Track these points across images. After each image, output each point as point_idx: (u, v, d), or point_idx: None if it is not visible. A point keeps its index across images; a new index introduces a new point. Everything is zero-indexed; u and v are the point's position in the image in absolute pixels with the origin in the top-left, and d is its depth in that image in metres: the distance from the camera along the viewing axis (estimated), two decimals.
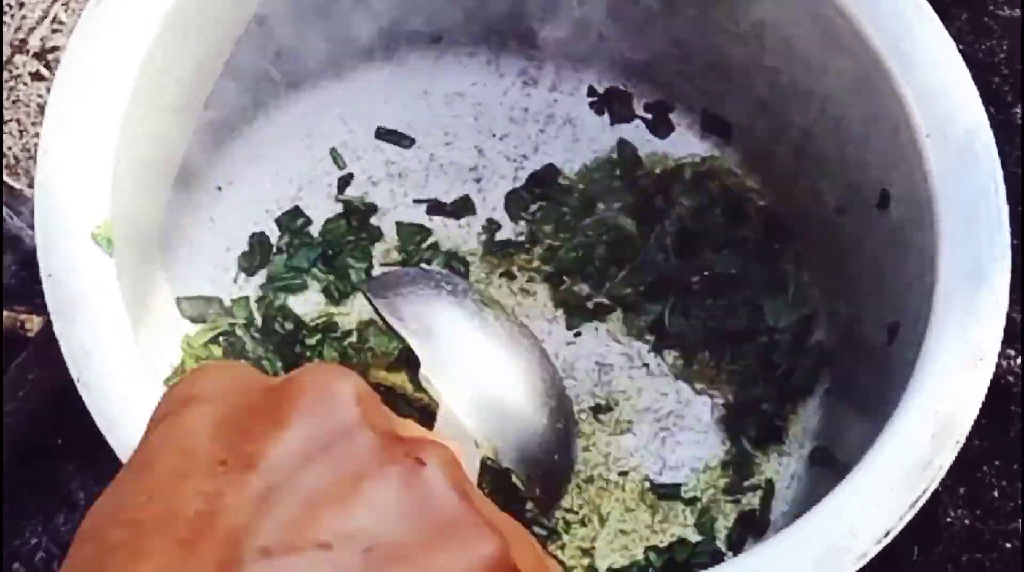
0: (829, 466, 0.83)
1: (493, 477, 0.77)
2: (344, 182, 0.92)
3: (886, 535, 0.65)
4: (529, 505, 0.82)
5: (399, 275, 0.83)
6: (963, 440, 0.67)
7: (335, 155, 0.92)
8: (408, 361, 0.80)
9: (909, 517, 0.65)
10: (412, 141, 0.93)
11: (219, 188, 0.90)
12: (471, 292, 0.81)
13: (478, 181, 0.93)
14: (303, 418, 0.36)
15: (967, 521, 0.89)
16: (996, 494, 0.89)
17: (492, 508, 0.38)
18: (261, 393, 0.37)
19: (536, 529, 0.83)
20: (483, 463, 0.74)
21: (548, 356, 0.83)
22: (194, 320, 0.85)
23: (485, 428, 0.74)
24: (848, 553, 0.64)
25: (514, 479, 0.77)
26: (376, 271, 0.89)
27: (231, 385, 0.38)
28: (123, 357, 0.66)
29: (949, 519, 0.89)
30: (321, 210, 0.91)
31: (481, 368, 0.77)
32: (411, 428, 0.40)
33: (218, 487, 0.34)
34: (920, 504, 0.65)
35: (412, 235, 0.90)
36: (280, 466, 0.35)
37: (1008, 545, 0.88)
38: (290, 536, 0.33)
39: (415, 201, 0.92)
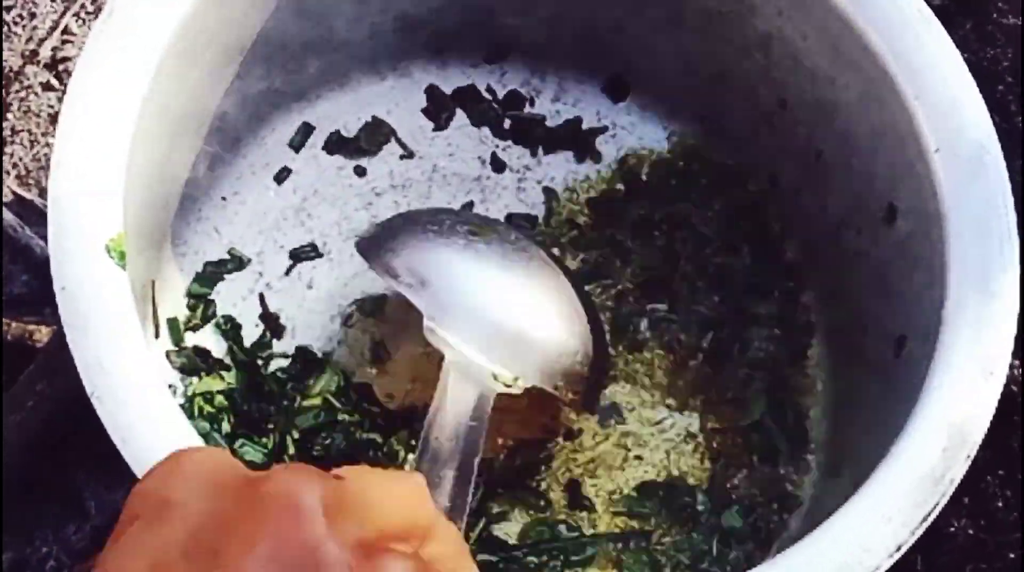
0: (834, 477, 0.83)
1: (523, 395, 0.78)
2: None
3: (898, 549, 0.65)
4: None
5: (386, 226, 0.83)
6: (974, 453, 0.68)
7: None
8: None
9: (921, 531, 0.65)
10: (414, 152, 0.93)
11: (224, 199, 0.90)
12: (460, 223, 0.80)
13: (482, 191, 0.93)
14: (271, 538, 0.36)
15: (970, 531, 0.89)
16: (1000, 504, 0.89)
17: None
18: (233, 496, 0.38)
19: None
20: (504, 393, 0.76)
21: (555, 264, 0.83)
22: (184, 372, 0.85)
23: (502, 357, 0.75)
24: (861, 567, 0.64)
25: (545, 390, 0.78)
26: None
27: (204, 487, 0.38)
28: (137, 371, 0.66)
29: (952, 529, 0.89)
30: (325, 219, 0.91)
31: (482, 300, 0.77)
32: (375, 516, 0.40)
33: None
34: (932, 517, 0.66)
35: None
36: None
37: (1011, 555, 0.88)
38: None
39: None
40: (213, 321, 0.87)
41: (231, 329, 0.87)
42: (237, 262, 0.88)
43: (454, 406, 0.74)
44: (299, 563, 0.36)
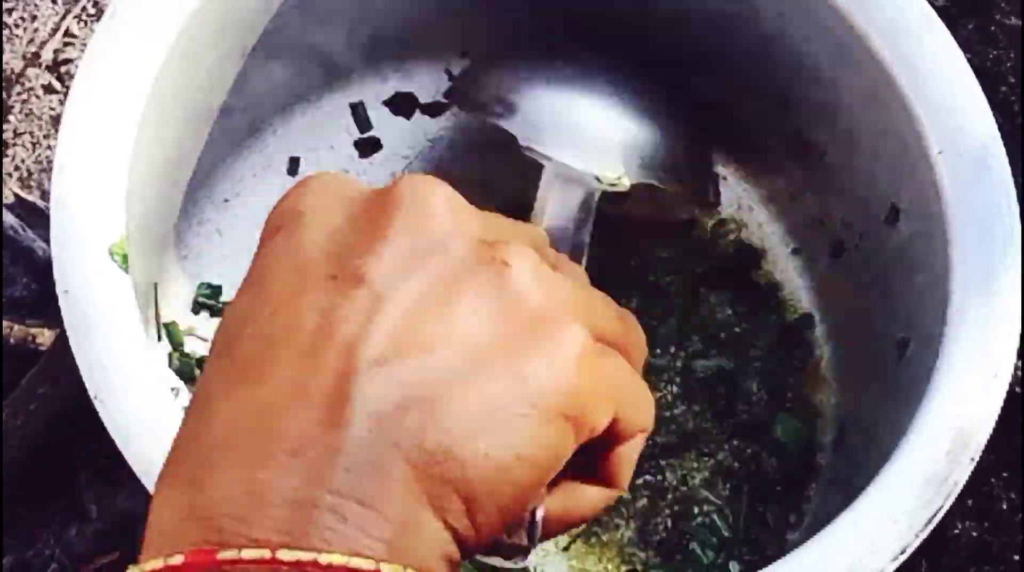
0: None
1: (639, 192, 0.80)
2: None
3: (903, 552, 0.65)
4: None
5: (473, 64, 0.89)
6: (978, 456, 0.67)
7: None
8: None
9: (925, 534, 0.65)
10: (417, 153, 0.93)
11: (226, 200, 0.90)
12: (540, 46, 0.85)
13: (486, 194, 0.93)
14: (403, 232, 0.39)
15: (974, 533, 0.89)
16: (1004, 506, 0.89)
17: (570, 289, 0.41)
18: (362, 204, 0.40)
19: None
20: (610, 194, 0.78)
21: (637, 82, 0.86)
22: (182, 377, 0.85)
23: (601, 161, 0.78)
24: (866, 570, 0.64)
25: (659, 187, 0.81)
26: None
27: (334, 198, 0.41)
28: (139, 373, 0.66)
29: (956, 531, 0.89)
30: None
31: (571, 116, 0.80)
32: (498, 224, 0.43)
33: (332, 301, 0.37)
34: (936, 520, 0.66)
35: None
36: (384, 278, 0.38)
37: (1016, 557, 0.88)
38: (397, 344, 0.37)
39: None
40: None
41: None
42: (238, 264, 0.88)
43: (559, 209, 0.77)
44: (427, 253, 0.39)
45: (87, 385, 0.65)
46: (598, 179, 0.77)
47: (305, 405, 0.36)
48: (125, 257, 0.68)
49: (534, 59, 0.83)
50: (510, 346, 0.38)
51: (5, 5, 0.99)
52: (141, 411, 0.65)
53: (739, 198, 0.93)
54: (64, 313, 0.66)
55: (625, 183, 0.78)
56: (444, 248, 0.39)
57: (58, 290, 0.67)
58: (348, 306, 0.37)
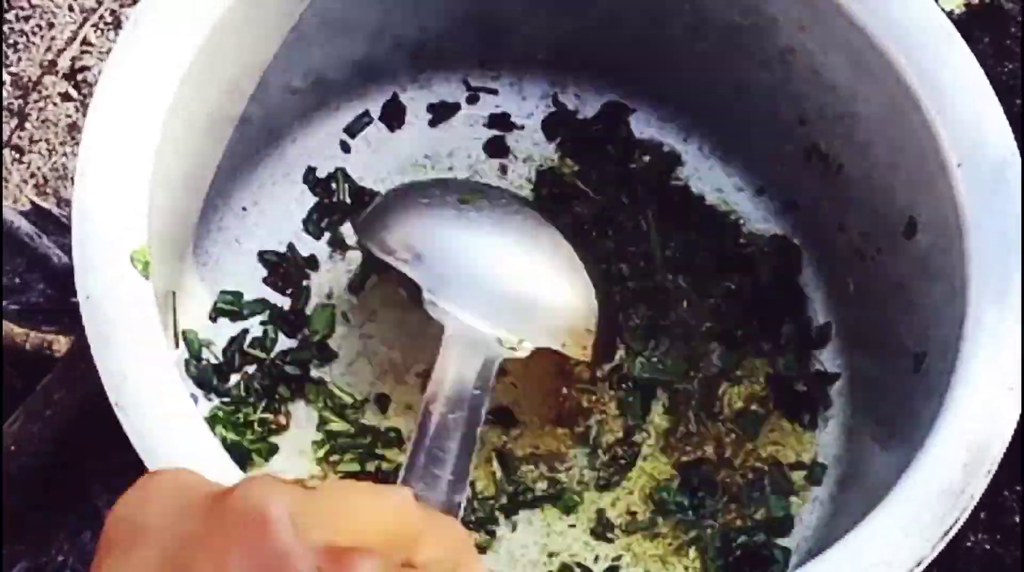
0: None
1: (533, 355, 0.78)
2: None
3: (918, 564, 0.65)
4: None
5: (379, 205, 0.84)
6: (995, 469, 0.68)
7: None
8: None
9: (941, 546, 0.65)
10: (435, 164, 0.94)
11: (244, 209, 0.90)
12: (450, 193, 0.82)
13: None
14: (241, 550, 0.37)
15: (987, 546, 0.89)
16: (1017, 519, 0.89)
17: None
18: (203, 516, 0.38)
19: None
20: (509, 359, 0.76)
21: (553, 229, 0.83)
22: (199, 385, 0.86)
23: (504, 321, 0.76)
24: None
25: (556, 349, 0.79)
26: None
27: (173, 509, 0.39)
28: (161, 381, 0.66)
29: (969, 543, 0.89)
30: (345, 228, 0.91)
31: (478, 267, 0.78)
32: (350, 523, 0.40)
33: None
34: (952, 533, 0.66)
35: None
36: None
37: None
38: None
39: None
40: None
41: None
42: (257, 271, 0.89)
43: (458, 376, 0.74)
44: (269, 570, 0.36)
45: (108, 393, 0.65)
46: (500, 341, 0.75)
47: None
48: (147, 264, 0.68)
49: (443, 202, 0.82)
50: None
51: (22, 13, 1.00)
52: (162, 419, 0.65)
53: (756, 210, 0.93)
54: (85, 320, 0.66)
55: (526, 348, 0.77)
56: (285, 569, 0.37)
57: (79, 296, 0.67)
58: None
